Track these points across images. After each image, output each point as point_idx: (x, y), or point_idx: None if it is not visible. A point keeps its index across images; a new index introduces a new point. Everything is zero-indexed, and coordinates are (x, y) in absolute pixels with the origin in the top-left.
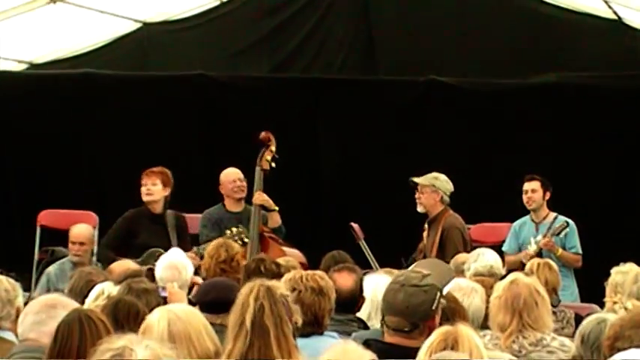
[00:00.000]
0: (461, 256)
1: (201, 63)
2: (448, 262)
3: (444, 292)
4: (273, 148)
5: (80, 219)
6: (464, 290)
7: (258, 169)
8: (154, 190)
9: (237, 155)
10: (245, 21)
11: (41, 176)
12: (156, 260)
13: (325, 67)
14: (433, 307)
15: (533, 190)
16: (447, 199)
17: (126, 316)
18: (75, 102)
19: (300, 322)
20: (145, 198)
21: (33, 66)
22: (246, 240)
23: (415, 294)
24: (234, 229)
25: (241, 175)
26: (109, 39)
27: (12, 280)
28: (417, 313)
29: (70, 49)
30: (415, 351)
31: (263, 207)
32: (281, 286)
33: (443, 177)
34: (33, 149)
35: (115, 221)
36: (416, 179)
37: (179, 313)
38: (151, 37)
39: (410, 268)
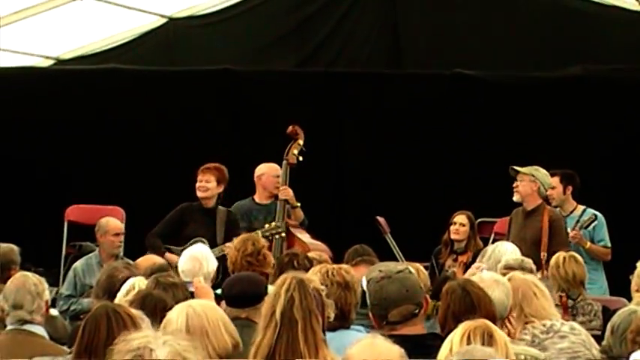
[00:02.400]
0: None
1: (227, 58)
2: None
3: None
4: (301, 142)
5: (107, 214)
6: (485, 282)
7: (284, 162)
8: (208, 186)
9: (263, 150)
10: (271, 15)
11: (68, 172)
12: None
13: (351, 61)
14: (422, 285)
15: (552, 187)
16: (543, 191)
17: (153, 311)
18: (101, 98)
19: (332, 316)
20: (199, 194)
21: (59, 62)
22: (278, 237)
23: (405, 277)
24: (273, 224)
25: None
26: (135, 34)
27: (37, 275)
28: (418, 292)
29: (96, 45)
30: (421, 337)
31: (286, 202)
32: (315, 280)
33: (543, 170)
34: (60, 145)
35: (147, 215)
36: (517, 168)
37: (197, 308)
38: (177, 32)
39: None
